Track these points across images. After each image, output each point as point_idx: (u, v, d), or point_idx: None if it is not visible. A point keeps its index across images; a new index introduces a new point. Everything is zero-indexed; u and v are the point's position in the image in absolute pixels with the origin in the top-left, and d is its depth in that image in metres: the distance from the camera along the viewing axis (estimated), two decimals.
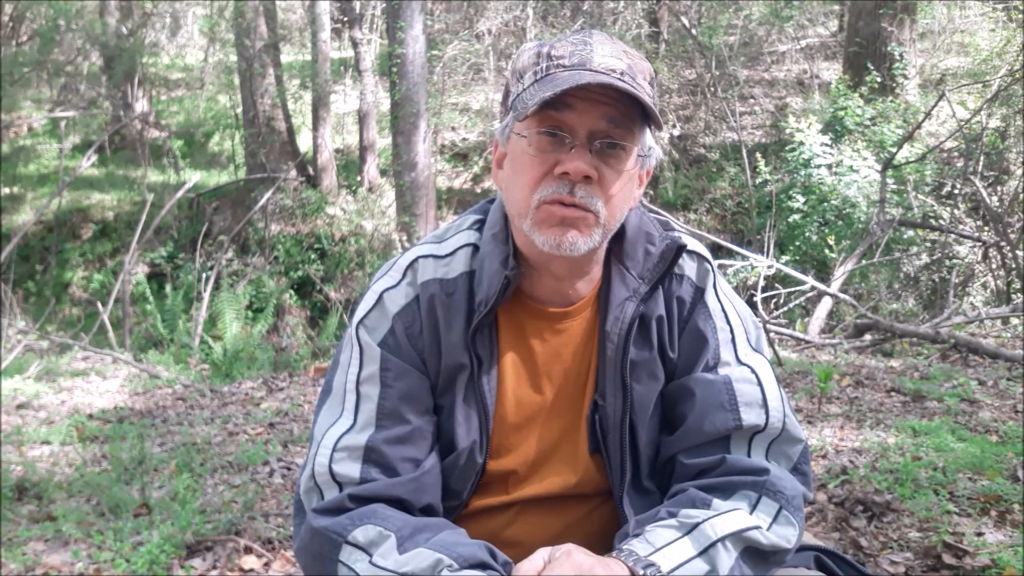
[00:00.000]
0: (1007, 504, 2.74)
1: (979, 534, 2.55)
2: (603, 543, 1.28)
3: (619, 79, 1.16)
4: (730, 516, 1.15)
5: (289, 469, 3.75)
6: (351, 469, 1.21)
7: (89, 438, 4.37)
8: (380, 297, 1.29)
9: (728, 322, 1.31)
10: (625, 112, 1.19)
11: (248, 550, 2.84)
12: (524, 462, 1.30)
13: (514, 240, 1.28)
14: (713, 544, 1.13)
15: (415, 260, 1.31)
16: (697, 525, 1.14)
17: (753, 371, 1.27)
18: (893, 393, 4.31)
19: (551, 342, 1.31)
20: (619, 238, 1.29)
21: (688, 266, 1.32)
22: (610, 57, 1.18)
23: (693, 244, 1.34)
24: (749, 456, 1.23)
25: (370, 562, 1.13)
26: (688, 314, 1.30)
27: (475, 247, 1.31)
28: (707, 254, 1.35)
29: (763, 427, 1.24)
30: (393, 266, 1.33)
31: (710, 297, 1.31)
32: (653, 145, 1.27)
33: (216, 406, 5.06)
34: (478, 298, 1.26)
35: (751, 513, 1.17)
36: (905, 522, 2.66)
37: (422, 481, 1.23)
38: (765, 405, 1.25)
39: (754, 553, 1.15)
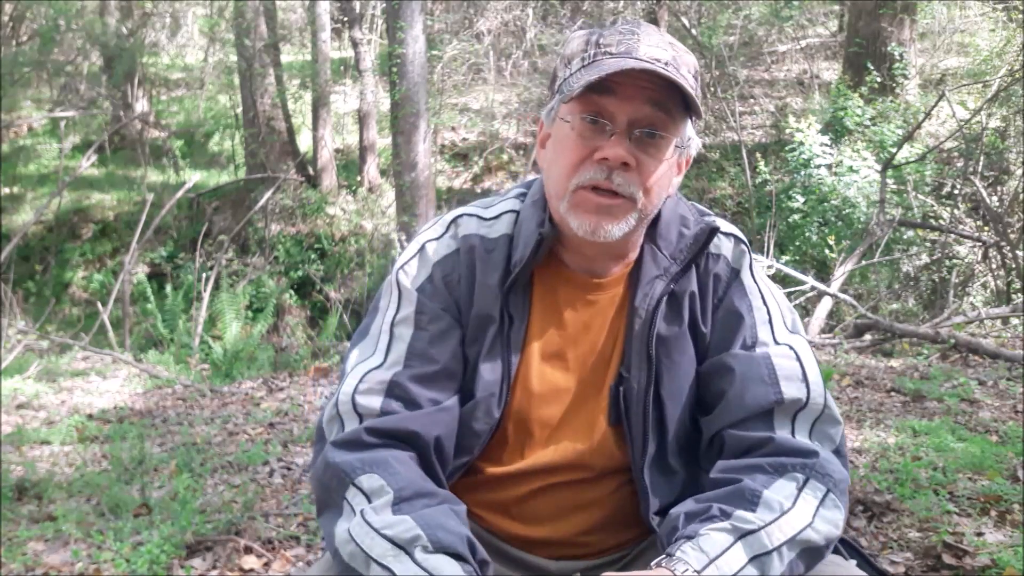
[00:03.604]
0: (1007, 504, 2.74)
1: (979, 534, 2.55)
2: (620, 521, 1.31)
3: (663, 68, 1.19)
4: (785, 520, 1.14)
5: (289, 469, 3.75)
6: (373, 401, 1.24)
7: (89, 438, 4.37)
8: (423, 246, 1.33)
9: (765, 303, 1.32)
10: (666, 100, 1.21)
11: (248, 550, 2.83)
12: (541, 425, 1.31)
13: (551, 215, 1.30)
14: (768, 553, 1.12)
15: (460, 216, 1.35)
16: (752, 532, 1.13)
17: (792, 349, 1.28)
18: (893, 393, 4.31)
19: (582, 312, 1.33)
20: (654, 221, 1.32)
21: (725, 246, 1.34)
22: (656, 48, 1.21)
23: (728, 227, 1.36)
24: (794, 436, 1.22)
25: (362, 512, 1.15)
26: (724, 292, 1.32)
27: (518, 213, 1.34)
28: (743, 237, 1.37)
29: (805, 402, 1.23)
30: (438, 221, 1.37)
31: (746, 277, 1.33)
32: (693, 136, 1.30)
33: (216, 406, 5.06)
34: (515, 258, 1.29)
35: (798, 495, 1.16)
36: (905, 522, 2.66)
37: (436, 417, 1.25)
38: (805, 379, 1.25)
39: (811, 551, 1.15)
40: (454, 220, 1.35)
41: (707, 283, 1.32)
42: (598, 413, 1.31)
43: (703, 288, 1.32)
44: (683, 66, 1.22)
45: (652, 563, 1.12)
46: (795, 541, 1.13)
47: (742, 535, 1.12)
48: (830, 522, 1.17)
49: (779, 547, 1.12)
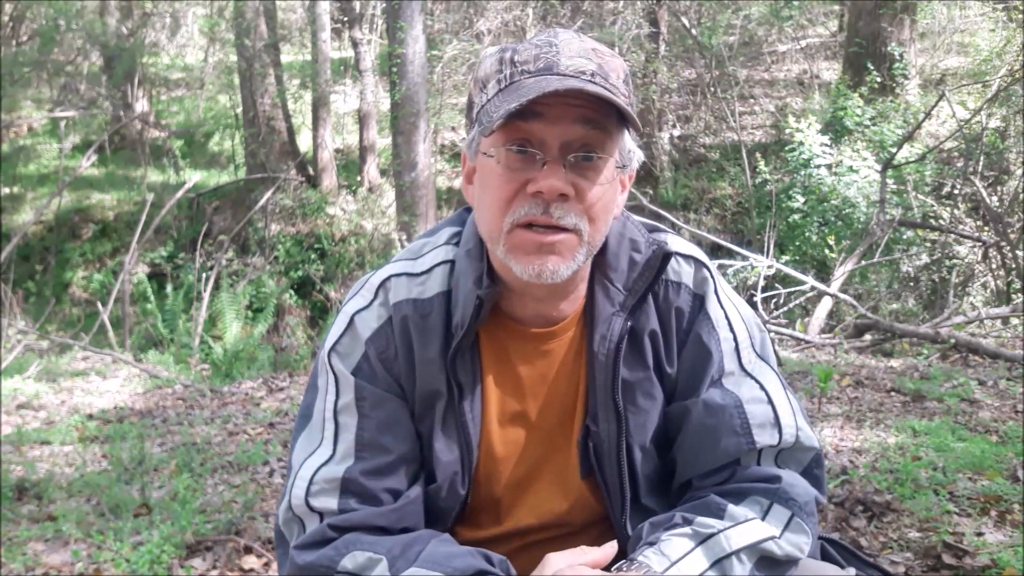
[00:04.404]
0: (1007, 504, 2.74)
1: (979, 534, 2.55)
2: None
3: (590, 81, 1.07)
4: (745, 527, 1.12)
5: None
6: (329, 502, 1.16)
7: (89, 438, 4.37)
8: (351, 320, 1.22)
9: (732, 329, 1.23)
10: (599, 117, 1.09)
11: (248, 550, 2.84)
12: (512, 489, 1.25)
13: (490, 259, 1.20)
14: (728, 556, 1.10)
15: (387, 279, 1.23)
16: (712, 536, 1.11)
17: (762, 387, 1.21)
18: (893, 393, 4.31)
19: (537, 365, 1.23)
20: (601, 249, 1.20)
21: (684, 272, 1.23)
22: (578, 58, 1.10)
23: (684, 247, 1.25)
24: (759, 464, 1.19)
25: None
26: (688, 325, 1.22)
27: (453, 263, 1.23)
28: (702, 256, 1.26)
29: (776, 445, 1.19)
30: (364, 285, 1.25)
31: (712, 305, 1.23)
32: (633, 148, 1.18)
33: (216, 406, 5.06)
34: (455, 320, 1.19)
35: (763, 520, 1.14)
36: (905, 522, 2.66)
37: (404, 511, 1.18)
38: (778, 423, 1.18)
39: (769, 563, 1.13)
40: (382, 284, 1.23)
41: (668, 318, 1.22)
42: (568, 468, 1.24)
43: (664, 324, 1.22)
44: (611, 73, 1.10)
45: (614, 568, 1.10)
46: (754, 548, 1.11)
47: (702, 539, 1.11)
48: (794, 544, 1.14)
49: (738, 551, 1.10)
